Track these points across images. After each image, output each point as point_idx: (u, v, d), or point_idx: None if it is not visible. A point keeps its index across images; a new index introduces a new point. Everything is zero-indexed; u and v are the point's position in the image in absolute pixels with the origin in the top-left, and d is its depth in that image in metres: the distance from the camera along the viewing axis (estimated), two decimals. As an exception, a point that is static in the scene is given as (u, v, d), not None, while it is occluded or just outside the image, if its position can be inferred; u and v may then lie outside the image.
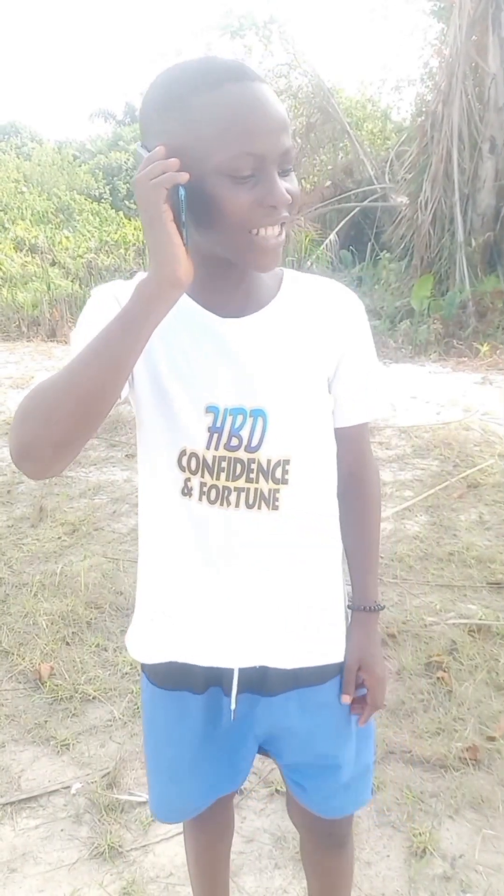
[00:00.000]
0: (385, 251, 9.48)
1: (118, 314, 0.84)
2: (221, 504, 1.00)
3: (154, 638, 1.09)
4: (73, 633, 2.54)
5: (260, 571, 1.03)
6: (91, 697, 2.23)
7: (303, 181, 10.83)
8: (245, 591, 1.04)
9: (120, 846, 1.74)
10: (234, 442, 0.98)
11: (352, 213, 10.24)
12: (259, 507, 1.00)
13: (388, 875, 1.68)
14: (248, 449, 0.98)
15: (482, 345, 6.98)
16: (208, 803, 1.21)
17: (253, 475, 0.99)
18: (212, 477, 0.99)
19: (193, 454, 0.99)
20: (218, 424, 0.98)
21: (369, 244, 9.99)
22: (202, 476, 0.99)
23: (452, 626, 2.60)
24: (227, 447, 0.98)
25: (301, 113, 11.63)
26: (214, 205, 0.87)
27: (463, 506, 3.56)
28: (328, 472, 1.07)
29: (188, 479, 1.00)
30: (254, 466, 0.99)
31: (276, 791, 1.89)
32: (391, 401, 5.12)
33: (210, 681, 1.09)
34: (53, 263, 11.59)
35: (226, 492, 0.99)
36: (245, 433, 0.98)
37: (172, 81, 0.88)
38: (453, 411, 5.00)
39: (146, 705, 1.18)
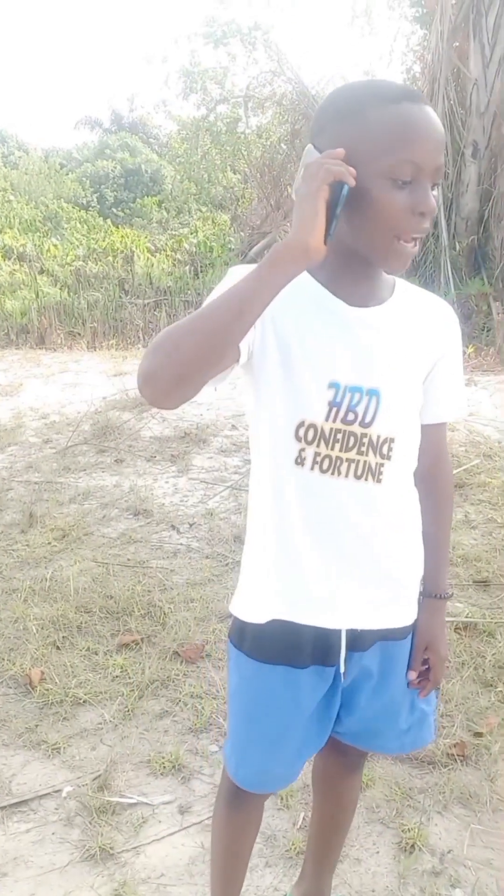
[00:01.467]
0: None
1: (250, 272, 0.98)
2: (333, 473, 1.11)
3: (262, 597, 1.17)
4: (63, 637, 2.55)
5: (362, 538, 1.14)
6: (82, 701, 2.24)
7: (287, 188, 10.87)
8: (347, 556, 1.15)
9: (111, 848, 1.75)
10: (351, 417, 1.10)
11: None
12: (366, 479, 1.12)
13: (378, 871, 1.70)
14: (363, 424, 1.10)
15: (468, 347, 7.03)
16: (300, 771, 1.30)
17: (364, 448, 1.11)
18: (327, 447, 1.10)
19: (312, 425, 1.10)
20: (338, 399, 1.09)
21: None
22: (317, 446, 1.10)
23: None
24: (344, 421, 1.10)
25: (286, 119, 11.67)
26: (372, 205, 1.00)
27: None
28: (415, 450, 1.19)
29: (303, 450, 1.11)
30: (365, 441, 1.11)
31: (267, 790, 1.90)
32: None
33: (315, 655, 1.17)
34: (42, 271, 11.57)
35: (338, 462, 1.11)
36: (361, 409, 1.10)
37: (355, 93, 1.03)
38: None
39: (242, 680, 1.23)
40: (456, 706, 2.20)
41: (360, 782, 1.50)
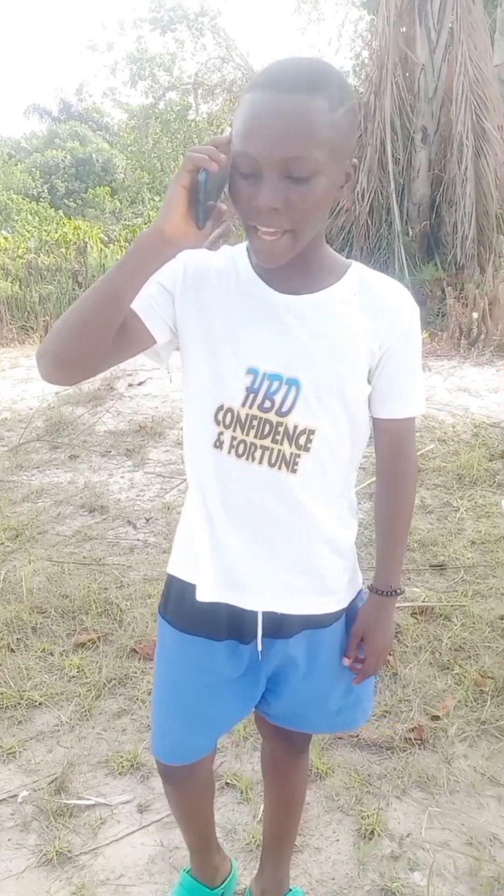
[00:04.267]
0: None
1: (121, 258, 1.01)
2: (248, 459, 1.11)
3: (186, 565, 1.24)
4: (17, 639, 2.50)
5: (277, 525, 1.15)
6: (37, 703, 2.20)
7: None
8: (264, 541, 1.16)
9: (69, 851, 1.72)
10: (267, 404, 1.09)
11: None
12: (280, 468, 1.11)
13: (338, 859, 1.70)
14: (279, 413, 1.09)
15: (422, 332, 7.08)
16: (214, 744, 1.37)
17: (279, 437, 1.10)
18: (242, 432, 1.11)
19: (230, 410, 1.11)
20: (255, 386, 1.09)
21: (310, 236, 10.04)
22: (234, 431, 1.11)
23: (397, 609, 2.64)
24: (261, 408, 1.10)
25: (236, 106, 11.60)
26: (230, 194, 1.01)
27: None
28: (353, 451, 1.17)
29: (221, 433, 1.12)
30: (281, 430, 1.10)
31: (227, 784, 1.90)
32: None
33: (231, 630, 1.21)
34: (-8, 265, 11.33)
35: (252, 448, 1.11)
36: (278, 398, 1.09)
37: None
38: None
39: (164, 649, 1.29)
40: (413, 690, 2.22)
41: (307, 766, 1.51)
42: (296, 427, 1.10)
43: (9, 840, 1.77)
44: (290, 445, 1.10)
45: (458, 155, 8.25)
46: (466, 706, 2.16)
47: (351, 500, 1.23)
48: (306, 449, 1.11)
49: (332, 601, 1.23)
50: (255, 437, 1.10)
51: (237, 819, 1.81)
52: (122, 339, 1.06)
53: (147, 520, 3.45)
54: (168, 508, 3.54)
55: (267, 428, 1.10)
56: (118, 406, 4.95)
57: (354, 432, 1.15)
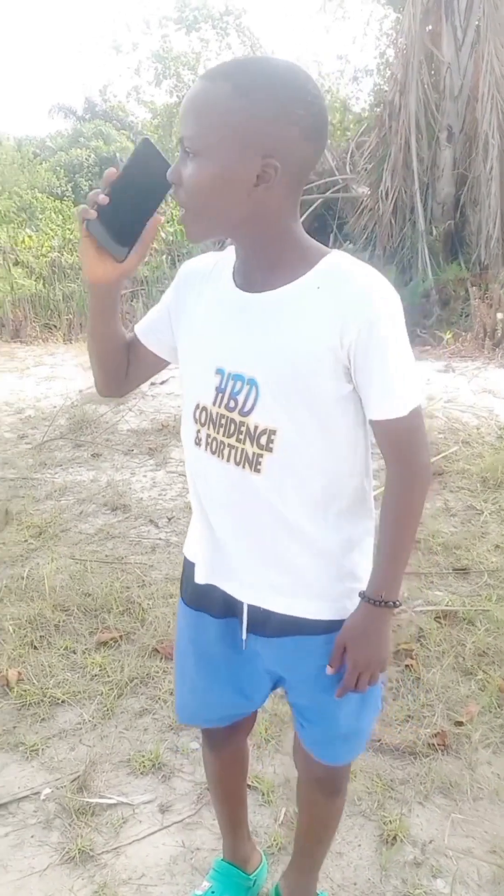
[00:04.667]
0: (348, 242, 9.50)
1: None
2: (219, 456, 1.14)
3: (191, 553, 1.31)
4: (40, 636, 2.52)
5: (249, 523, 1.16)
6: (60, 701, 2.21)
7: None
8: (239, 537, 1.19)
9: (91, 850, 1.73)
10: (232, 404, 1.11)
11: (314, 205, 10.24)
12: (244, 467, 1.12)
13: (360, 864, 1.69)
14: (241, 412, 1.11)
15: (446, 333, 7.04)
16: (224, 719, 1.40)
17: (241, 437, 1.11)
18: (214, 430, 1.14)
19: (204, 408, 1.15)
20: (222, 386, 1.12)
21: (332, 235, 10.00)
22: (208, 429, 1.15)
23: (420, 613, 2.62)
24: (227, 407, 1.12)
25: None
26: None
27: (428, 493, 3.58)
28: (330, 452, 1.11)
29: (199, 430, 1.16)
30: (243, 429, 1.11)
31: (248, 786, 1.89)
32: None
33: (227, 610, 1.25)
34: (16, 263, 11.40)
35: (221, 446, 1.14)
36: (241, 398, 1.10)
37: None
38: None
39: (179, 621, 1.38)
40: (436, 695, 2.20)
41: (339, 805, 1.46)
42: (256, 427, 1.10)
43: (32, 837, 1.78)
44: (253, 445, 1.11)
45: (483, 154, 8.15)
46: (490, 712, 2.14)
47: (352, 506, 1.17)
48: (268, 449, 1.10)
49: (317, 606, 1.18)
50: (224, 435, 1.13)
51: (258, 821, 1.80)
52: (136, 363, 1.26)
53: (169, 519, 3.46)
54: (189, 508, 3.54)
55: (232, 427, 1.12)
56: (140, 405, 4.97)
57: (328, 435, 1.10)
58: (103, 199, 1.03)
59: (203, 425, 1.15)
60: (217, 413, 1.13)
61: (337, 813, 1.46)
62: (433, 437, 4.20)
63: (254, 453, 1.10)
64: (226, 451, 1.13)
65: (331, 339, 1.03)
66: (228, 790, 1.56)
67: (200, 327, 1.16)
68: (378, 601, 1.15)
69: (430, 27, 8.58)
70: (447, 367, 5.64)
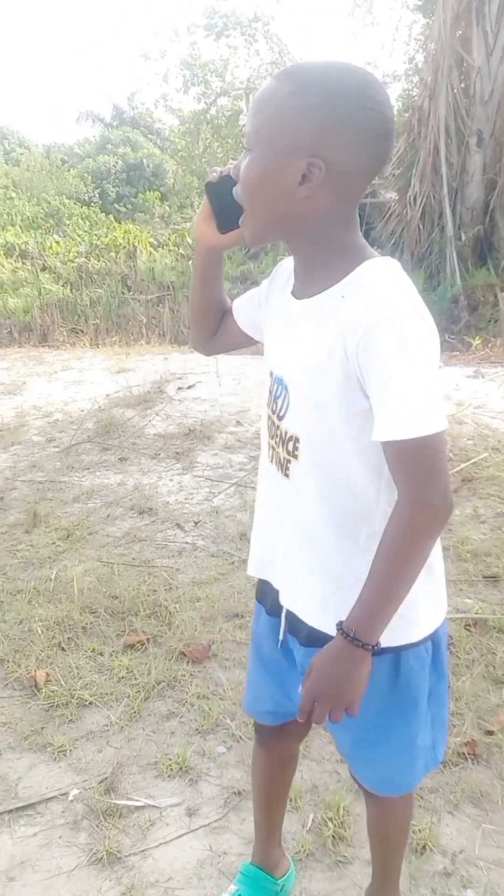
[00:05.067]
0: (376, 247, 9.33)
1: None
2: (268, 456, 1.20)
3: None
4: (68, 638, 2.53)
5: (287, 526, 1.17)
6: (87, 703, 2.22)
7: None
8: (275, 538, 1.21)
9: (118, 852, 1.73)
10: (274, 407, 1.15)
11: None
12: (279, 469, 1.16)
13: (389, 873, 1.67)
14: (279, 416, 1.14)
15: (474, 338, 6.98)
16: (273, 716, 1.39)
17: (277, 440, 1.15)
18: (267, 429, 1.19)
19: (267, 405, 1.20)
20: (272, 388, 1.17)
21: (359, 241, 9.98)
22: (267, 427, 1.20)
23: (449, 620, 2.59)
24: (271, 409, 1.17)
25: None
26: None
27: (457, 500, 3.55)
28: (352, 471, 1.05)
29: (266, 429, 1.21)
30: (278, 433, 1.14)
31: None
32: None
33: (274, 609, 1.26)
34: (44, 268, 11.56)
35: (269, 446, 1.19)
36: (280, 401, 1.13)
37: None
38: (446, 405, 4.96)
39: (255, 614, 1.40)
40: (466, 704, 2.17)
41: (402, 828, 1.45)
42: (286, 432, 1.12)
43: (59, 837, 1.78)
44: (283, 450, 1.14)
45: (513, 159, 8.11)
46: (521, 722, 2.11)
47: (366, 522, 1.09)
48: (294, 456, 1.11)
49: (332, 623, 1.07)
50: (269, 436, 1.18)
51: (286, 827, 1.78)
52: (225, 331, 1.33)
53: (196, 523, 3.46)
54: (216, 512, 3.55)
55: (273, 429, 1.16)
56: (167, 409, 4.98)
57: (348, 452, 1.03)
58: (221, 169, 1.13)
59: (266, 424, 1.20)
60: (267, 414, 1.18)
61: (387, 830, 1.45)
62: (462, 443, 4.17)
63: (284, 458, 1.13)
64: (270, 452, 1.18)
65: (337, 350, 0.99)
66: (270, 792, 1.56)
67: (267, 328, 1.21)
68: (350, 637, 1.02)
69: (461, 32, 8.55)
70: (476, 372, 5.59)
